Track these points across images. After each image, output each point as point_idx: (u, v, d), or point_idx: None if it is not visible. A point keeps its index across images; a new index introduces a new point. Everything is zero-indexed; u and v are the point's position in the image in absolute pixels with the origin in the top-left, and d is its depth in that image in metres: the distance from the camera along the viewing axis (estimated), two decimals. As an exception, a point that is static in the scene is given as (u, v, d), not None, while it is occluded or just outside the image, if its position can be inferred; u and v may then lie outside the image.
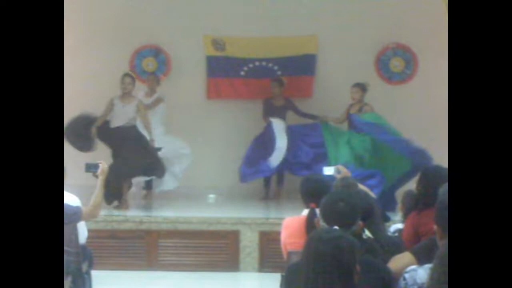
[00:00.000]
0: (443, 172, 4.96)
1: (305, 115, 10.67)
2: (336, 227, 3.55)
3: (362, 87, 9.94)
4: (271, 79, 11.03)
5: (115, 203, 9.27)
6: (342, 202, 3.84)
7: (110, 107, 9.41)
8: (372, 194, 5.73)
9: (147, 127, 9.47)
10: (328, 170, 6.27)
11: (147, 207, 9.98)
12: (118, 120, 9.37)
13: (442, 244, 3.29)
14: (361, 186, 5.56)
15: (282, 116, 10.58)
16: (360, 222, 3.84)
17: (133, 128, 9.37)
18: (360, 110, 9.81)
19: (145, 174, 9.62)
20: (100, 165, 5.81)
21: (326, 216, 3.82)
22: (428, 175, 5.20)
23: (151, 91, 10.54)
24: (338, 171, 6.16)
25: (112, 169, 8.57)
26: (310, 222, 4.84)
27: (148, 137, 9.43)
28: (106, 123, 9.42)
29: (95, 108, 10.94)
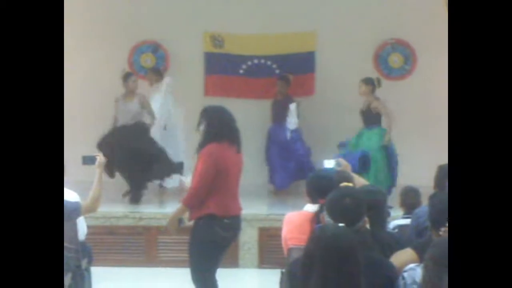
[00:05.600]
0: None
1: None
2: (341, 223, 3.53)
3: (365, 82, 9.83)
4: (277, 78, 11.00)
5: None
6: (349, 198, 3.82)
7: (116, 106, 9.54)
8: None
9: (151, 117, 9.61)
10: (328, 163, 5.98)
11: (147, 203, 9.95)
12: (122, 118, 9.48)
13: (432, 245, 3.30)
14: (362, 180, 5.50)
15: (285, 110, 10.50)
16: (365, 218, 3.82)
17: (141, 126, 9.50)
18: (368, 106, 9.71)
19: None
20: (97, 157, 5.64)
21: (332, 212, 3.81)
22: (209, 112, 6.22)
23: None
24: (338, 164, 5.91)
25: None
26: (319, 219, 4.84)
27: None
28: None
29: (94, 104, 10.94)
